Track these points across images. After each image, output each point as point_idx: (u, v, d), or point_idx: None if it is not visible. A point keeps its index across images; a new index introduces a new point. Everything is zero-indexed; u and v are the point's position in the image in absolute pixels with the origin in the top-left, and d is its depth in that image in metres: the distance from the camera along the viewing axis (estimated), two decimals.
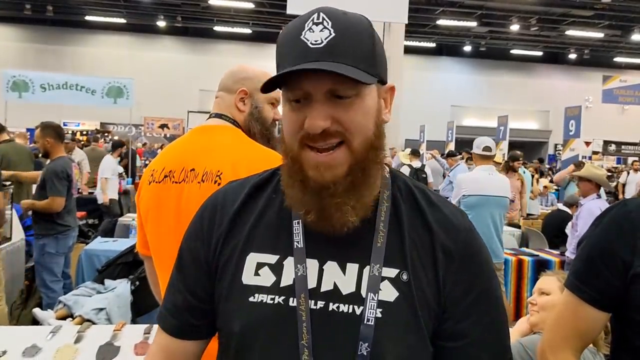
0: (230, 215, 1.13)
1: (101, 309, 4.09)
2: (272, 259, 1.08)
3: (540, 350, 1.51)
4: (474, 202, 5.43)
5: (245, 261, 1.08)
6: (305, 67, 0.95)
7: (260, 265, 1.07)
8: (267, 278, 1.06)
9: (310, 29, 0.98)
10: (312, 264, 1.05)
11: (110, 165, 9.27)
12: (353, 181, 1.01)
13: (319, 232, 1.05)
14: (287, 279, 1.05)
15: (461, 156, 12.51)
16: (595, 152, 23.49)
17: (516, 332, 2.56)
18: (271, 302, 1.04)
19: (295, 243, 1.06)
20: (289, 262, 1.06)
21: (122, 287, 4.36)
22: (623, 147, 21.45)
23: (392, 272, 1.04)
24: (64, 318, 4.19)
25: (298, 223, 1.07)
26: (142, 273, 4.32)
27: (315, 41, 0.97)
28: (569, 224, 6.37)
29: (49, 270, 5.15)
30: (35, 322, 4.41)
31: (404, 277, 1.04)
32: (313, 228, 1.05)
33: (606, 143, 21.58)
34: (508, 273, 5.93)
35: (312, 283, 1.04)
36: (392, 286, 1.03)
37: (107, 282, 4.56)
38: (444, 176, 12.26)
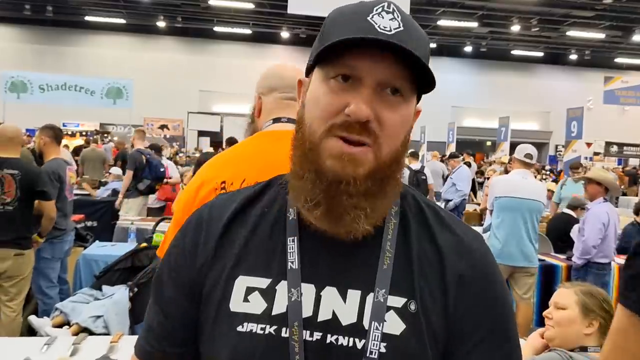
0: (217, 234, 1.01)
1: (99, 317, 3.99)
2: (264, 282, 0.96)
3: None
4: (505, 204, 5.41)
5: (234, 285, 0.97)
6: (383, 38, 0.85)
7: (250, 290, 0.96)
8: (257, 305, 0.94)
9: (379, 14, 0.89)
10: (308, 289, 0.94)
11: None
12: (371, 187, 0.91)
13: (317, 243, 0.95)
14: (279, 306, 0.93)
15: (462, 157, 12.45)
16: (596, 153, 23.42)
17: (529, 347, 2.45)
18: (261, 332, 0.92)
19: (290, 264, 0.95)
20: (282, 287, 0.94)
21: (120, 294, 4.26)
22: (625, 148, 21.40)
23: (398, 302, 0.93)
24: (60, 326, 4.09)
25: (293, 241, 0.96)
26: (141, 279, 4.22)
27: (385, 27, 0.88)
28: (575, 227, 6.27)
29: (45, 276, 5.06)
30: (31, 329, 4.32)
31: (412, 307, 0.93)
32: (314, 230, 0.95)
33: (608, 144, 21.53)
34: None
35: (307, 311, 0.92)
36: (399, 317, 0.92)
37: (105, 288, 4.46)
38: (443, 177, 12.19)
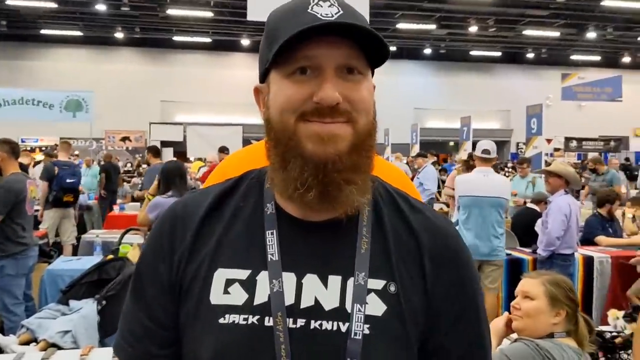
0: (193, 229, 1.01)
1: (67, 332, 3.91)
2: (243, 274, 0.96)
3: None
4: (467, 203, 5.65)
5: (213, 278, 0.97)
6: (339, 21, 0.89)
7: (230, 282, 0.96)
8: (238, 296, 0.95)
9: (317, 4, 0.93)
10: (289, 278, 0.95)
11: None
12: (357, 160, 0.93)
13: (295, 234, 0.97)
14: (261, 296, 0.94)
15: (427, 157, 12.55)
16: (556, 149, 23.85)
17: (492, 332, 2.48)
18: (244, 322, 0.93)
19: (270, 256, 0.96)
20: (263, 277, 0.95)
21: (88, 308, 4.18)
22: (584, 143, 21.86)
23: (378, 284, 0.95)
24: (27, 343, 4.00)
25: (272, 234, 0.97)
26: (108, 291, 4.16)
27: (327, 14, 0.91)
28: (539, 221, 6.37)
29: (10, 293, 4.96)
30: None
31: (392, 288, 0.96)
32: (292, 221, 0.98)
33: (567, 140, 21.96)
34: None
35: (289, 299, 0.93)
36: (379, 299, 0.95)
37: (72, 302, 4.37)
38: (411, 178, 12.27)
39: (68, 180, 8.15)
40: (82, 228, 9.32)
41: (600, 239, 6.76)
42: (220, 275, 0.97)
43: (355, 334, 0.91)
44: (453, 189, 8.41)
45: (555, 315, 2.36)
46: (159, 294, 1.02)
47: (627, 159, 23.16)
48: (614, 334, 3.24)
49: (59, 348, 3.56)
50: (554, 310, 2.36)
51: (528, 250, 6.38)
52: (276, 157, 0.96)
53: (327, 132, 0.91)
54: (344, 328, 0.92)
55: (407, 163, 14.51)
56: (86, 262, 5.31)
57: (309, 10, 0.91)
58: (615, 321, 3.47)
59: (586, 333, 2.40)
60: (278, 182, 0.97)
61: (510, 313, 2.51)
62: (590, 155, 24.05)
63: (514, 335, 2.54)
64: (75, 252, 7.70)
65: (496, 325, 2.54)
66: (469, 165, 8.32)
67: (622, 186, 12.07)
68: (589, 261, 6.13)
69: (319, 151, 0.91)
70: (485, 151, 5.70)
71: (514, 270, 5.97)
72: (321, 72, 0.91)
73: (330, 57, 0.91)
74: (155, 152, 9.23)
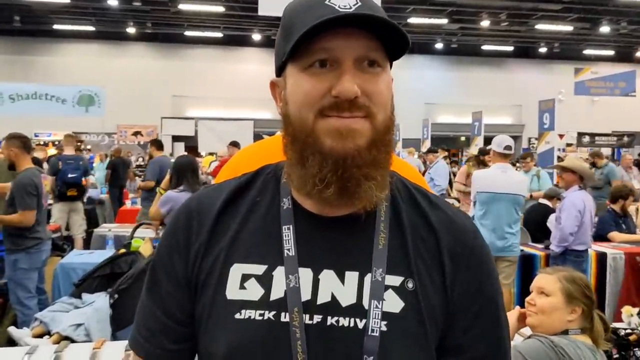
0: (208, 224, 1.01)
1: (79, 325, 3.93)
2: (260, 269, 0.96)
3: None
4: (485, 199, 5.62)
5: (229, 273, 0.97)
6: (358, 13, 0.87)
7: (246, 277, 0.96)
8: (254, 291, 0.95)
9: None
10: (306, 274, 0.94)
11: None
12: (377, 156, 0.92)
13: (312, 229, 0.96)
14: (277, 292, 0.94)
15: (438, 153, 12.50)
16: (568, 144, 23.69)
17: None
18: (260, 318, 0.93)
19: (286, 251, 0.95)
20: (279, 272, 0.95)
21: (100, 301, 4.20)
22: (596, 138, 21.66)
23: (396, 280, 0.94)
24: (40, 336, 4.02)
25: (289, 229, 0.97)
26: (121, 285, 4.18)
27: (344, 5, 0.89)
28: (551, 217, 6.33)
29: (23, 287, 5.00)
30: (10, 341, 4.24)
31: (410, 285, 0.95)
32: (309, 216, 0.97)
33: (580, 135, 21.77)
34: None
35: (306, 295, 0.93)
36: (397, 296, 0.94)
37: (85, 296, 4.40)
38: (420, 173, 12.20)
39: (70, 175, 8.23)
40: (93, 222, 9.38)
41: (614, 235, 6.71)
42: (236, 270, 0.97)
43: (373, 330, 0.90)
44: (463, 184, 8.40)
45: (571, 312, 2.33)
46: (175, 289, 1.02)
47: None
48: (628, 331, 3.22)
49: (72, 341, 3.58)
50: (570, 307, 2.33)
51: (540, 246, 6.34)
52: (294, 153, 0.95)
53: (346, 127, 0.90)
54: (361, 325, 0.91)
55: (418, 157, 14.44)
56: (98, 256, 5.33)
57: (326, 2, 0.90)
58: (630, 318, 3.44)
59: (602, 331, 2.37)
60: (296, 178, 0.96)
61: (522, 308, 2.49)
62: (604, 150, 23.89)
63: (526, 330, 2.52)
64: (86, 245, 7.75)
65: (508, 319, 2.51)
66: (479, 160, 8.31)
67: (636, 182, 11.96)
68: (602, 257, 6.08)
69: (338, 147, 0.90)
70: (508, 147, 5.67)
71: (526, 266, 5.96)
72: (339, 65, 0.90)
73: (349, 49, 0.90)
74: (158, 145, 9.29)
